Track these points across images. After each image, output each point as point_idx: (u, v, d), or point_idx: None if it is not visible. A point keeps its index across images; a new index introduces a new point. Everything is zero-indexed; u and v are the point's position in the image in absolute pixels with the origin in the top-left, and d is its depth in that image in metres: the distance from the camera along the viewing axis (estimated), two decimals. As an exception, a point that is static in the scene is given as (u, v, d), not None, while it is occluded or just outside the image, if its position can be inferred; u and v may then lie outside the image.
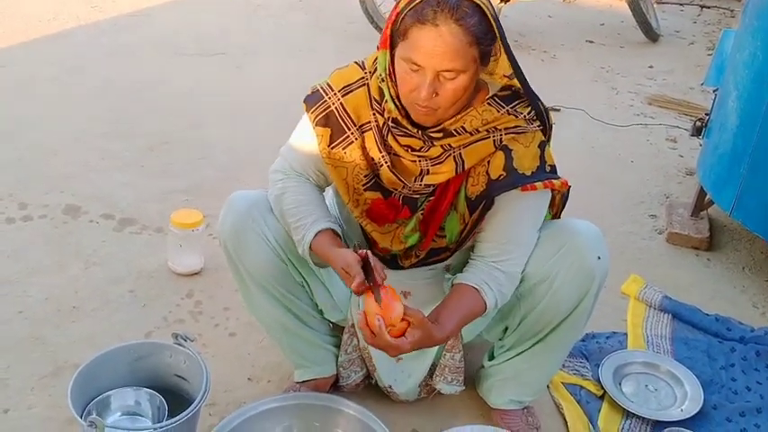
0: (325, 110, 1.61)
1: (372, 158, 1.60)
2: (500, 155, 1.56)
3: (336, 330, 1.93)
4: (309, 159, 1.67)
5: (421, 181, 1.59)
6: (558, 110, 3.87)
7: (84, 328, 2.17)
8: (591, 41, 5.35)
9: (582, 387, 2.07)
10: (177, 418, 1.55)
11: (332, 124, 1.60)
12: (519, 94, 1.56)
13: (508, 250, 1.63)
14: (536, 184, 1.56)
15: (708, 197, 2.88)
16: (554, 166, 1.62)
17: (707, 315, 2.42)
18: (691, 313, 2.42)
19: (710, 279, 2.70)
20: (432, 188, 1.62)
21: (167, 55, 4.38)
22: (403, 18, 1.42)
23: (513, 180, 1.56)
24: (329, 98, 1.61)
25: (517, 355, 1.79)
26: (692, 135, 3.03)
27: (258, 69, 4.33)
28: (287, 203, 1.66)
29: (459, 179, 1.61)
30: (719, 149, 2.73)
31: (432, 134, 1.53)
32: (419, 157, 1.57)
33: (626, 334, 2.32)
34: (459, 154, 1.56)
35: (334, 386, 1.95)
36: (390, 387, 1.88)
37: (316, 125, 1.61)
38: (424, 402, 1.94)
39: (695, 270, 2.75)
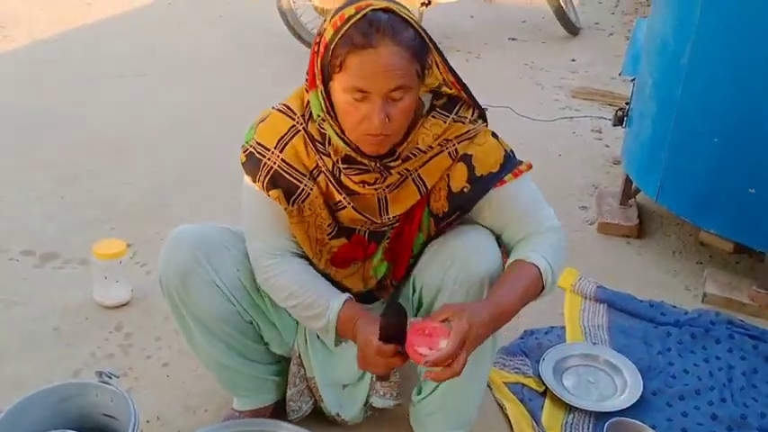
0: (268, 172, 1.52)
1: (334, 201, 1.55)
2: (461, 166, 1.52)
3: (278, 356, 1.86)
4: (280, 230, 1.58)
5: (387, 214, 1.54)
6: (486, 109, 3.89)
7: (9, 372, 2.06)
8: (514, 39, 5.42)
9: (524, 385, 2.07)
10: (105, 460, 1.48)
11: (281, 184, 1.52)
12: (455, 99, 1.53)
13: (531, 224, 1.57)
14: (504, 178, 1.52)
15: (634, 185, 2.93)
16: (512, 150, 1.59)
17: (641, 302, 2.45)
18: (625, 301, 2.45)
19: (643, 266, 2.74)
20: (397, 217, 1.57)
21: (84, 80, 4.26)
22: (333, 49, 1.36)
23: (484, 184, 1.52)
24: (268, 159, 1.52)
25: (436, 388, 1.74)
26: (615, 125, 3.08)
27: (180, 89, 4.24)
28: (287, 287, 1.61)
29: (424, 200, 1.56)
30: (641, 137, 2.78)
31: (389, 164, 1.48)
32: (375, 189, 1.51)
33: (564, 327, 2.34)
34: (418, 175, 1.52)
35: (277, 415, 1.89)
36: (338, 414, 1.83)
37: (267, 190, 1.52)
38: (371, 420, 1.90)
39: (627, 258, 2.79)
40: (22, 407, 1.65)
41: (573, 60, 4.99)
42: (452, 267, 1.56)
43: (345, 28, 1.34)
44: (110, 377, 1.67)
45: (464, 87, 1.54)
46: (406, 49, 1.35)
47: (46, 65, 4.45)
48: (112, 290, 2.33)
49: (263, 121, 1.57)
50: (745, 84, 2.32)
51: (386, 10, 1.35)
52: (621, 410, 1.98)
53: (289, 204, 1.53)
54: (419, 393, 1.81)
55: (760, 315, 2.45)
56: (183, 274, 1.62)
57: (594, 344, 2.25)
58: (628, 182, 2.98)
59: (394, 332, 1.46)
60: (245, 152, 1.56)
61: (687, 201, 2.59)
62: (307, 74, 1.47)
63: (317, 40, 1.42)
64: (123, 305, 2.35)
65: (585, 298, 2.48)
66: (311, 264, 1.64)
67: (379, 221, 1.55)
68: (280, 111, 1.55)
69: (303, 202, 1.53)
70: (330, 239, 1.59)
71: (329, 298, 1.59)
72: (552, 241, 1.56)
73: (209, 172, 3.20)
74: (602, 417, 1.98)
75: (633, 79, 2.99)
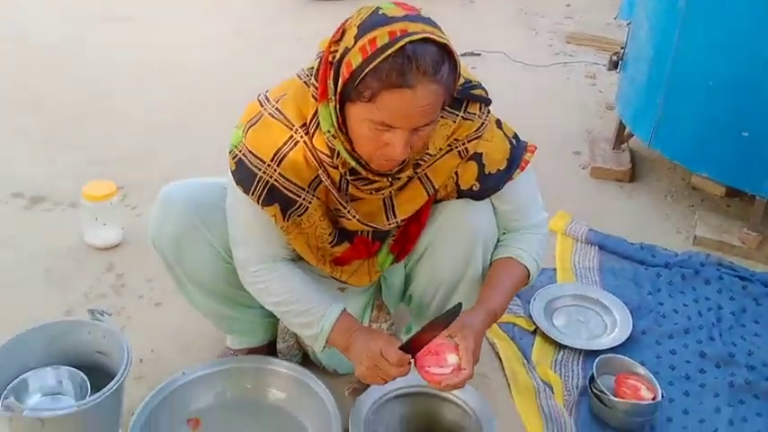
0: (265, 187, 1.41)
1: (336, 211, 1.49)
2: (471, 165, 1.48)
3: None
4: (272, 238, 1.52)
5: (394, 218, 1.49)
6: (479, 54, 3.85)
7: (0, 313, 2.06)
8: (508, -16, 5.32)
9: (514, 324, 2.09)
10: (99, 393, 1.49)
11: (278, 199, 1.43)
12: (461, 94, 1.43)
13: (526, 216, 1.59)
14: (512, 174, 1.51)
15: (627, 130, 2.91)
16: (515, 134, 1.55)
17: (632, 244, 2.46)
18: (616, 244, 2.46)
19: (635, 209, 2.74)
20: (404, 219, 1.52)
21: (72, 23, 4.18)
22: (363, 78, 1.23)
23: (494, 183, 1.50)
24: (263, 172, 1.40)
25: None
26: (610, 69, 3.04)
27: (168, 31, 4.17)
28: (277, 294, 1.56)
29: (431, 199, 1.53)
30: (635, 82, 2.75)
31: (398, 174, 1.43)
32: (382, 194, 1.46)
33: (555, 269, 2.35)
34: (425, 174, 1.47)
35: (272, 352, 1.90)
36: (335, 371, 1.85)
37: (262, 206, 1.43)
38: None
39: (619, 202, 2.79)
40: (13, 344, 1.64)
41: (568, 6, 4.91)
42: (447, 221, 1.55)
43: (379, 60, 1.21)
44: (102, 315, 1.66)
45: (473, 83, 1.45)
46: (442, 86, 1.26)
47: (33, 7, 4.35)
48: (103, 231, 2.32)
49: (252, 124, 1.42)
50: (741, 27, 2.28)
51: (424, 40, 1.22)
52: (611, 348, 2.01)
53: (285, 220, 1.45)
54: (408, 332, 1.83)
55: (750, 257, 2.46)
56: (178, 239, 1.60)
57: (585, 284, 2.27)
58: (621, 127, 2.96)
59: (415, 344, 1.43)
60: (234, 158, 1.43)
61: (680, 145, 2.58)
62: (315, 82, 1.36)
63: (333, 52, 1.30)
64: (114, 247, 2.34)
65: (577, 240, 2.49)
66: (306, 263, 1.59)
67: (387, 228, 1.52)
68: (273, 117, 1.41)
69: (301, 215, 1.46)
70: (332, 247, 1.53)
71: (323, 308, 1.54)
72: (541, 238, 1.61)
73: (197, 114, 3.18)
74: (591, 354, 2.00)
75: (629, 23, 2.95)
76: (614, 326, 2.11)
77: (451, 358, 1.39)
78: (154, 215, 1.63)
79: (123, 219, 2.40)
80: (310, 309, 1.55)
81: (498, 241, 1.61)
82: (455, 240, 1.56)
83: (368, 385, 1.62)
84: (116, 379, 1.52)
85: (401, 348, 1.42)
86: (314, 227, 1.49)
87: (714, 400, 1.87)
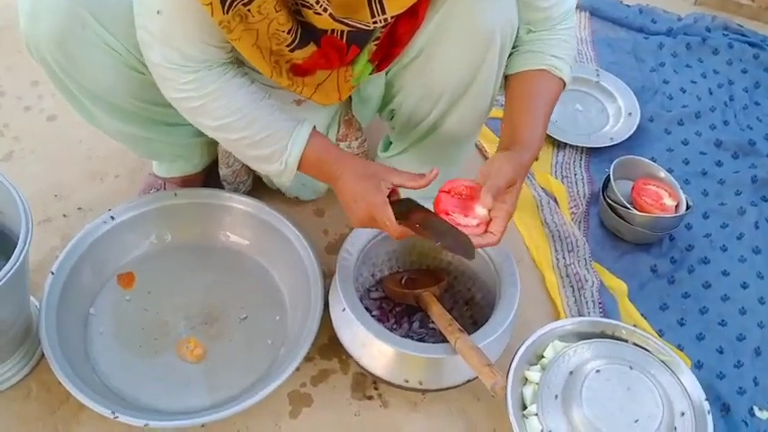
0: None
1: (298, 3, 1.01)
2: None
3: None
4: (204, 33, 1.04)
5: (382, 14, 0.99)
6: None
7: None
8: None
9: (502, 120, 1.73)
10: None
11: None
12: None
13: (558, 1, 1.16)
14: None
15: None
16: None
17: (629, 7, 2.07)
18: (611, 7, 2.06)
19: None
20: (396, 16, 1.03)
21: None
22: None
23: None
24: None
25: (405, 150, 1.38)
26: None
27: None
28: (219, 115, 1.11)
29: None
30: None
31: None
32: None
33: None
34: None
35: (212, 181, 1.50)
36: (297, 198, 1.49)
37: None
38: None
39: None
40: None
41: None
42: (452, 14, 1.11)
43: None
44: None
45: None
46: None
47: None
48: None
49: None
50: None
51: None
52: (616, 145, 1.70)
53: (225, 12, 0.97)
54: (385, 150, 1.45)
55: (759, 18, 2.12)
56: (60, 39, 1.10)
57: (580, 63, 1.89)
58: None
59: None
60: None
61: None
62: None
63: None
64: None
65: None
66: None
67: (370, 27, 1.03)
68: None
69: (248, 4, 0.99)
70: (292, 51, 1.07)
71: (285, 134, 1.13)
72: (572, 33, 1.20)
73: None
74: (595, 152, 1.70)
75: None
76: (618, 115, 1.78)
77: (481, 210, 1.05)
78: (22, 5, 1.11)
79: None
80: (268, 136, 1.13)
81: (518, 38, 1.18)
82: (463, 38, 1.13)
83: None
84: (15, 255, 1.10)
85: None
86: (266, 21, 1.02)
87: (736, 200, 1.63)
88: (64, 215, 1.47)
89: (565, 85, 1.17)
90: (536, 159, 1.19)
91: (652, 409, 1.12)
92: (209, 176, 1.51)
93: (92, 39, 1.12)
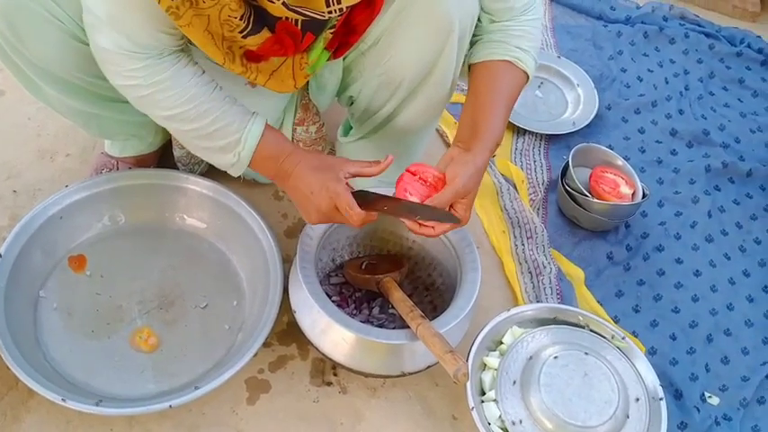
0: None
1: None
2: None
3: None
4: (152, 18, 1.00)
5: (337, 4, 0.96)
6: None
7: None
8: None
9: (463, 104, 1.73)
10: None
11: None
12: None
13: None
14: None
15: None
16: None
17: (588, -7, 2.08)
18: (571, -7, 2.07)
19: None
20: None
21: None
22: None
23: None
24: None
25: (365, 136, 1.37)
26: None
27: None
28: (170, 105, 1.08)
29: None
30: None
31: None
32: None
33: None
34: None
35: (167, 161, 1.46)
36: (254, 180, 1.46)
37: None
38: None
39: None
40: None
41: None
42: (411, 2, 1.10)
43: None
44: None
45: None
46: None
47: None
48: None
49: None
50: None
51: None
52: (575, 132, 1.71)
53: None
54: (345, 135, 1.43)
55: (714, 8, 2.16)
56: (3, 9, 1.06)
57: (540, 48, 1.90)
58: None
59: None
60: None
61: None
62: None
63: None
64: None
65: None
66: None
67: (325, 17, 0.99)
68: None
69: None
70: (245, 38, 1.04)
71: (238, 126, 1.11)
72: (538, 25, 1.20)
73: None
74: (555, 139, 1.71)
75: None
76: (577, 102, 1.79)
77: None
78: None
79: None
80: (221, 128, 1.11)
81: (482, 27, 1.18)
82: (421, 27, 1.12)
83: None
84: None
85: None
86: (218, 6, 0.98)
87: (690, 188, 1.66)
88: (13, 193, 1.42)
89: (528, 78, 1.17)
90: (496, 148, 1.18)
91: (608, 394, 1.14)
92: (163, 156, 1.47)
93: (38, 10, 1.07)
